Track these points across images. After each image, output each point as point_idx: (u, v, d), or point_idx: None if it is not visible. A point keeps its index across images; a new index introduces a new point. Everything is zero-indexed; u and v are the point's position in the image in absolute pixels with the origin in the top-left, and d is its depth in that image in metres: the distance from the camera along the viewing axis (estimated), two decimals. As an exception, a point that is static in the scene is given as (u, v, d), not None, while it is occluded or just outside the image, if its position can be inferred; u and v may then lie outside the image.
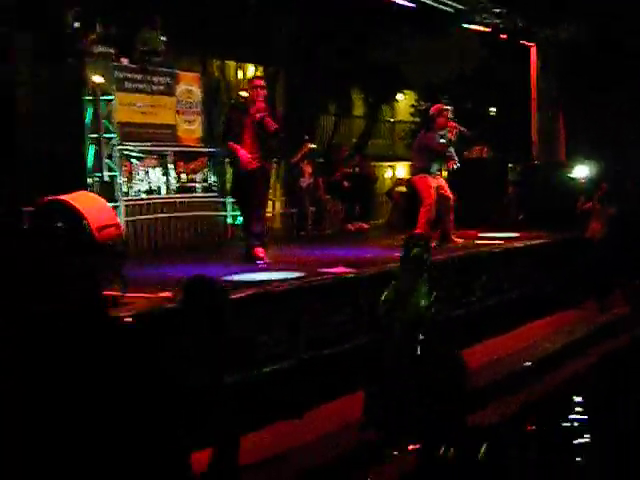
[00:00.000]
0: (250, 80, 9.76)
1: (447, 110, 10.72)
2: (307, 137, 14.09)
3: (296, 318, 7.24)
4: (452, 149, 10.83)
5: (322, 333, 7.49)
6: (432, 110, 10.88)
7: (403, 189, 15.77)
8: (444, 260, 9.58)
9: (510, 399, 7.75)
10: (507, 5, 14.65)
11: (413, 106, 20.77)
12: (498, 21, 14.80)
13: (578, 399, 8.05)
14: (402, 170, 21.17)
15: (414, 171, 11.09)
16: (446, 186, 10.89)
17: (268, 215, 14.05)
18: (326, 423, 6.66)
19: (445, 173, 11.46)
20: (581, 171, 14.33)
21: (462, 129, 10.82)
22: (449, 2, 13.64)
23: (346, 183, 14.30)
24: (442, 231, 11.01)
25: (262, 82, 9.33)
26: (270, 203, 14.52)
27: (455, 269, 9.64)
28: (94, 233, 6.21)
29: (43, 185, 8.22)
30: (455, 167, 11.03)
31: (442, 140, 10.60)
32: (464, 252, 10.29)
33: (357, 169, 15.39)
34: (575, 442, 6.89)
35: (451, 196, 10.86)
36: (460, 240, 11.13)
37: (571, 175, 14.43)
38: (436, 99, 17.14)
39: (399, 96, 21.15)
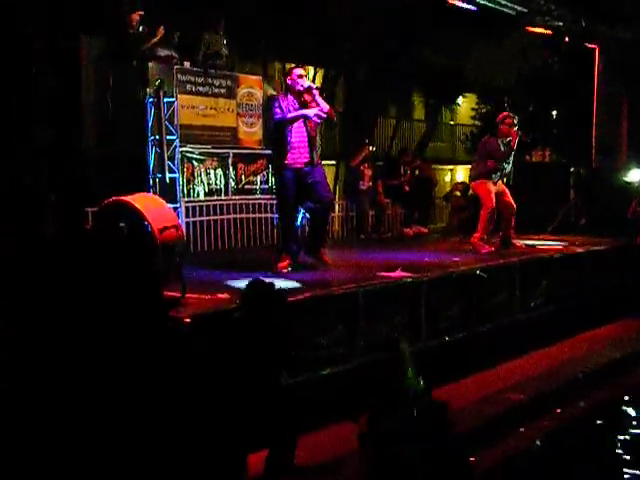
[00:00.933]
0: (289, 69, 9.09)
1: (511, 118, 10.69)
2: (367, 140, 14.08)
3: (353, 321, 7.24)
4: (511, 159, 10.79)
5: (379, 337, 7.47)
6: (499, 117, 10.90)
7: (458, 193, 15.70)
8: (504, 264, 9.51)
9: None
10: (569, 7, 14.45)
11: (474, 109, 20.62)
12: (560, 23, 14.60)
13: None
14: (461, 174, 21.06)
15: (474, 175, 11.00)
16: (508, 192, 10.82)
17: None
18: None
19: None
20: (636, 175, 14.05)
21: (521, 135, 10.76)
22: (510, 4, 13.51)
23: (407, 187, 14.24)
24: (503, 236, 10.96)
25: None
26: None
27: (515, 273, 9.55)
28: (155, 234, 6.28)
29: (107, 186, 8.35)
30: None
31: (503, 148, 10.58)
32: (523, 258, 10.17)
33: (417, 172, 15.32)
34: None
35: (513, 203, 10.78)
36: (521, 244, 11.05)
37: (627, 179, 14.17)
38: (497, 102, 17.05)
39: (459, 99, 21.03)
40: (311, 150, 8.41)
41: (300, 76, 8.50)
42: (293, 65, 8.76)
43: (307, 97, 8.42)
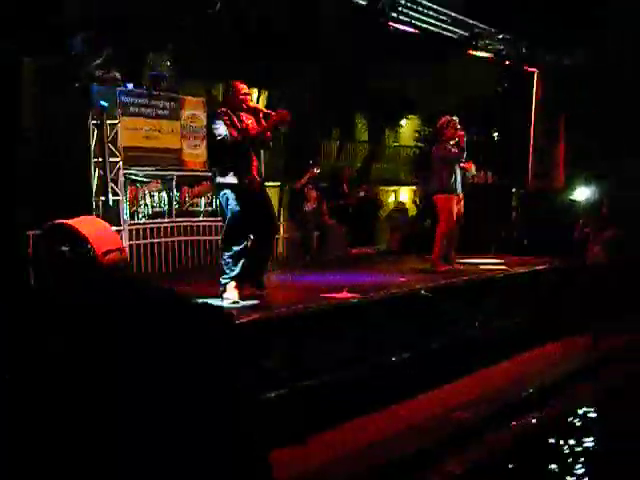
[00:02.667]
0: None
1: (454, 120, 10.67)
2: (311, 162, 14.12)
3: (299, 343, 7.21)
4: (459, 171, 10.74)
5: (322, 361, 7.44)
6: (440, 122, 10.81)
7: (397, 214, 15.85)
8: (449, 284, 9.58)
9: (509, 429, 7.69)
10: (511, 31, 14.72)
11: (417, 131, 20.84)
12: (501, 47, 14.86)
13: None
14: (405, 194, 21.22)
15: (436, 188, 10.78)
16: (462, 210, 10.78)
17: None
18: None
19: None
20: (582, 194, 14.25)
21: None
22: (452, 28, 13.70)
23: (350, 208, 14.31)
24: (446, 254, 10.90)
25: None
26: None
27: (460, 293, 9.62)
28: (99, 257, 6.20)
29: (49, 209, 8.22)
30: (474, 171, 11.02)
31: (453, 149, 10.55)
32: (467, 278, 10.25)
33: (362, 194, 15.41)
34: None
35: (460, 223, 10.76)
36: (460, 266, 11.04)
37: (572, 197, 14.38)
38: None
39: (403, 121, 21.25)
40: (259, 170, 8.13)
41: (245, 93, 8.04)
42: (237, 81, 8.32)
43: (260, 113, 8.05)
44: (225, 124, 7.71)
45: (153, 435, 5.12)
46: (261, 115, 8.06)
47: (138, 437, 5.09)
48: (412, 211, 18.18)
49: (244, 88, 8.07)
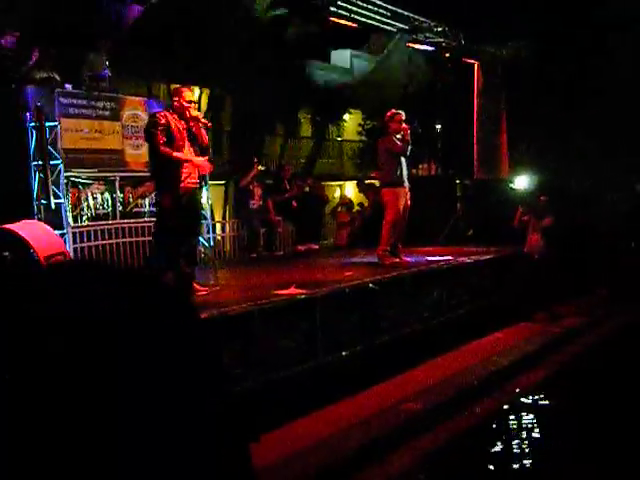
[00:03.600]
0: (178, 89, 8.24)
1: (399, 114, 10.71)
2: (256, 160, 14.08)
3: (249, 340, 7.20)
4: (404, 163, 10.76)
5: (272, 358, 7.45)
6: (386, 116, 10.85)
7: (343, 209, 15.92)
8: (396, 277, 9.64)
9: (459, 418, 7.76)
10: (450, 24, 14.86)
11: (360, 125, 20.91)
12: (441, 39, 14.98)
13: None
14: (350, 189, 21.27)
15: (385, 181, 10.87)
16: (409, 202, 10.77)
17: (219, 237, 14.03)
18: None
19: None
20: (521, 182, 14.43)
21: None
22: (391, 22, 13.78)
23: (294, 203, 14.29)
24: (392, 246, 10.91)
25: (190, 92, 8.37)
26: (219, 225, 14.50)
27: (407, 285, 9.69)
28: (42, 262, 6.10)
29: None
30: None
31: (399, 142, 10.57)
32: (414, 270, 10.33)
33: (307, 189, 15.41)
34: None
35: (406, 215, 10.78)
36: (405, 258, 11.05)
37: (512, 186, 14.55)
38: (382, 117, 17.36)
39: (346, 115, 21.29)
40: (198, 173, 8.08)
41: (190, 101, 8.04)
42: (181, 86, 8.30)
43: (192, 124, 8.00)
44: (157, 135, 7.70)
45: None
46: (200, 125, 8.06)
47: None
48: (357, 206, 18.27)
49: (189, 96, 8.09)
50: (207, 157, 8.15)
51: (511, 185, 14.54)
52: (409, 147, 10.66)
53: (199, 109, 15.12)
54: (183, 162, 7.79)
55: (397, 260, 10.69)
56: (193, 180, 7.95)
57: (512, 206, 13.06)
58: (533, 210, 12.26)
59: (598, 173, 16.23)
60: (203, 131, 8.10)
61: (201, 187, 8.34)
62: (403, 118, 10.68)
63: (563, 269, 12.38)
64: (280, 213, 14.22)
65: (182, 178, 7.78)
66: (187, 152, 7.88)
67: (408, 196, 10.73)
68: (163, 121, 7.75)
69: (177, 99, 7.99)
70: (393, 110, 10.91)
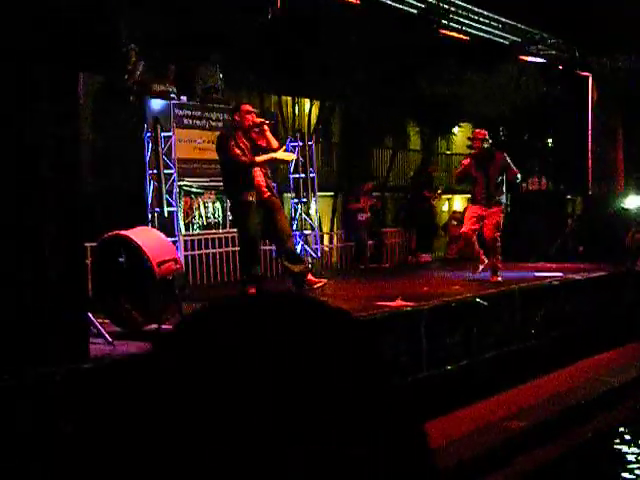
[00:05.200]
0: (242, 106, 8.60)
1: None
2: (371, 178, 14.14)
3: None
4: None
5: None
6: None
7: (455, 222, 15.77)
8: (504, 292, 9.51)
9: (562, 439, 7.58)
10: (562, 36, 14.60)
11: (469, 139, 20.72)
12: (554, 52, 14.73)
13: None
14: (459, 203, 21.12)
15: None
16: (492, 219, 10.26)
17: (327, 248, 14.12)
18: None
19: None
20: (634, 201, 13.99)
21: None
22: (503, 34, 13.65)
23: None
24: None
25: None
26: (327, 237, 14.60)
27: (515, 301, 9.54)
28: (154, 268, 6.28)
29: (106, 221, 8.37)
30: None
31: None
32: (523, 285, 10.16)
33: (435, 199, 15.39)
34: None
35: (493, 231, 10.27)
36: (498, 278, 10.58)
37: (624, 206, 14.15)
38: (493, 131, 17.16)
39: (455, 129, 21.13)
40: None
41: (249, 112, 8.39)
42: (243, 102, 8.64)
43: (253, 134, 8.32)
44: (238, 146, 8.11)
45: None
46: (265, 128, 8.35)
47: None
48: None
49: (247, 108, 8.47)
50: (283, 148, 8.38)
51: (622, 205, 14.14)
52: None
53: (309, 122, 15.37)
54: (256, 171, 8.13)
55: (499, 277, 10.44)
56: (264, 190, 8.26)
57: (625, 224, 12.70)
58: None
59: None
60: (269, 135, 8.37)
61: (272, 196, 8.49)
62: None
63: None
64: (399, 224, 14.19)
65: (254, 188, 8.13)
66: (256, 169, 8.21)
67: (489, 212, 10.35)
68: (230, 138, 8.17)
69: (237, 114, 8.41)
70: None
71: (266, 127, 8.37)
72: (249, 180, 8.14)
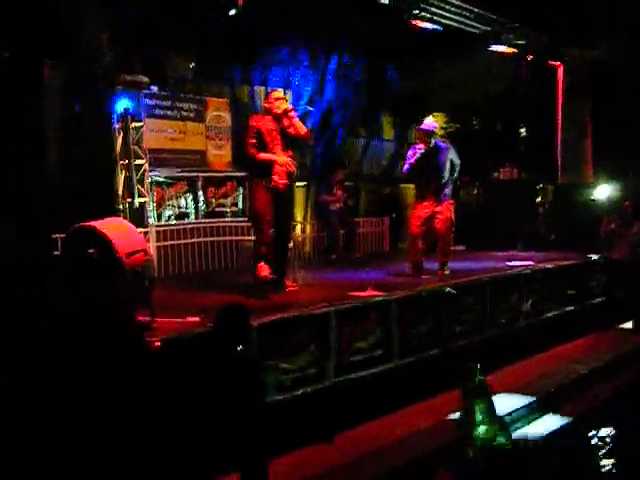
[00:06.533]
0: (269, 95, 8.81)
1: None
2: (339, 168, 14.09)
3: (326, 342, 7.24)
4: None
5: (352, 358, 7.49)
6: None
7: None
8: (474, 281, 9.57)
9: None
10: (533, 26, 14.64)
11: (443, 128, 20.73)
12: (524, 42, 14.78)
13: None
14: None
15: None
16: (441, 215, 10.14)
17: (300, 238, 14.11)
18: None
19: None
20: (603, 191, 14.02)
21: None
22: (474, 24, 13.66)
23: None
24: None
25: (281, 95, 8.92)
26: (300, 226, 14.59)
27: (485, 290, 9.60)
28: (123, 259, 6.26)
29: (75, 212, 8.30)
30: None
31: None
32: (494, 274, 10.22)
33: (387, 191, 15.39)
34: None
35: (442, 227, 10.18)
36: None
37: (593, 197, 14.19)
38: (465, 120, 17.21)
39: (427, 119, 21.13)
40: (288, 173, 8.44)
41: (277, 99, 8.54)
42: (271, 89, 8.73)
43: (285, 121, 8.40)
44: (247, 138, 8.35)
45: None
46: (292, 116, 8.45)
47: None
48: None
49: (276, 94, 8.72)
50: (290, 155, 8.45)
51: (591, 197, 14.18)
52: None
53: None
54: (269, 163, 8.23)
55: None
56: (283, 180, 8.31)
57: (595, 214, 12.75)
58: (620, 217, 11.95)
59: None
60: (297, 122, 8.50)
61: (291, 187, 8.60)
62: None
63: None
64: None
65: (272, 178, 8.23)
66: (279, 152, 8.33)
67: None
68: (254, 124, 8.36)
69: (266, 100, 8.68)
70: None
71: (293, 114, 8.47)
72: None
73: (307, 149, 9.99)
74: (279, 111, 8.39)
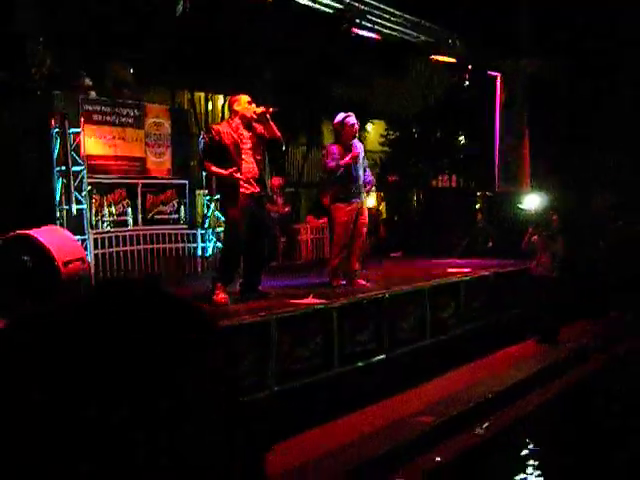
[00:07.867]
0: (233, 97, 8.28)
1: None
2: (274, 174, 14.03)
3: (266, 349, 7.22)
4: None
5: (292, 366, 7.49)
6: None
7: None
8: (413, 288, 9.62)
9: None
10: (473, 36, 14.86)
11: (383, 136, 20.91)
12: (464, 52, 14.99)
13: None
14: (371, 199, 21.26)
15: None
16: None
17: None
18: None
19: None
20: (531, 202, 13.81)
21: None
22: (415, 34, 13.81)
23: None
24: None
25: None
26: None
27: (425, 297, 9.66)
28: (59, 267, 6.17)
29: (12, 219, 8.16)
30: None
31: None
32: (433, 282, 10.29)
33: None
34: None
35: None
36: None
37: (522, 206, 14.07)
38: (405, 128, 17.38)
39: (368, 126, 21.29)
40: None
41: (250, 102, 8.13)
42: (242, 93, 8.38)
43: (257, 125, 8.06)
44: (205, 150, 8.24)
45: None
46: (267, 117, 8.08)
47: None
48: (383, 215, 18.32)
49: (245, 98, 8.20)
50: (258, 159, 8.08)
51: (520, 205, 14.00)
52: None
53: (222, 118, 15.25)
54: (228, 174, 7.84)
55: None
56: (251, 188, 7.95)
57: (522, 225, 12.62)
58: (545, 229, 11.70)
59: (622, 189, 16.13)
60: (272, 125, 8.06)
61: (262, 195, 8.21)
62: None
63: (576, 289, 12.10)
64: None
65: (240, 187, 7.84)
66: (250, 160, 7.97)
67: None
68: (215, 137, 7.89)
69: (237, 104, 8.13)
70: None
71: (268, 116, 8.04)
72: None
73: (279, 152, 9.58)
74: (254, 115, 8.00)
